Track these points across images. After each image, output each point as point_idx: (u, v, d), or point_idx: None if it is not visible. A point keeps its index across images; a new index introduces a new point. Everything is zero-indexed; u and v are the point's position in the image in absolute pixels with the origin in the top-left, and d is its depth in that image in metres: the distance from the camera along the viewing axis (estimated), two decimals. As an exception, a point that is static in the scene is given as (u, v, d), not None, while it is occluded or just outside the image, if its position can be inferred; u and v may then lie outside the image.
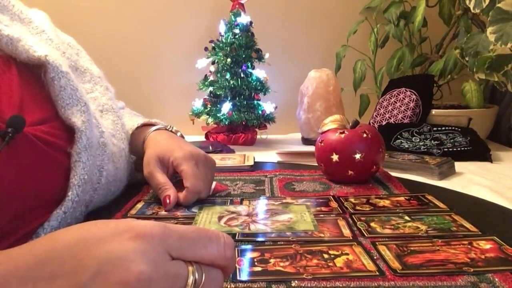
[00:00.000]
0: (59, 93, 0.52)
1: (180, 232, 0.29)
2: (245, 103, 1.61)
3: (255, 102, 1.64)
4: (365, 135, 0.70)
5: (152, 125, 0.73)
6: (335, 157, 0.70)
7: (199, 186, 0.61)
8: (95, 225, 0.30)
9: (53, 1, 1.76)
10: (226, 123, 1.59)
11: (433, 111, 1.51)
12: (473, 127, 1.40)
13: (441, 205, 0.59)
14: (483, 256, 0.42)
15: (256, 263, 0.42)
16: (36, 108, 0.50)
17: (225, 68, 1.60)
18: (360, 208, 0.58)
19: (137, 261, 0.26)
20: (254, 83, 1.62)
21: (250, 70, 1.62)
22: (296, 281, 0.38)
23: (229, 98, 1.60)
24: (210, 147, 1.26)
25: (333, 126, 0.73)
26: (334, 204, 0.61)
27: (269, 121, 1.65)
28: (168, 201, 0.59)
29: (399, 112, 1.52)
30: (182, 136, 0.73)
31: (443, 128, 1.37)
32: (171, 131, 0.72)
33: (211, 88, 1.64)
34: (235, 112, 1.58)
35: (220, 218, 0.55)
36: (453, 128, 1.36)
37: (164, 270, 0.27)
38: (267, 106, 1.66)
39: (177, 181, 0.64)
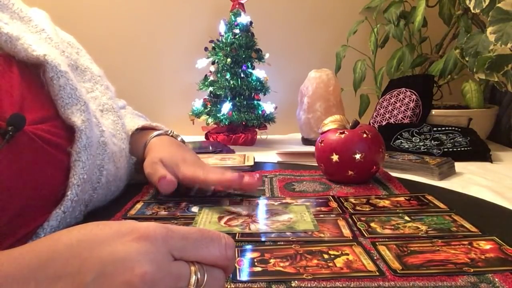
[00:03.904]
0: (59, 92, 0.52)
1: (182, 233, 0.30)
2: (245, 103, 1.60)
3: (255, 102, 1.64)
4: (365, 135, 0.70)
5: (153, 129, 0.73)
6: (335, 157, 0.70)
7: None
8: (97, 226, 0.30)
9: (53, 0, 1.76)
10: (226, 123, 1.59)
11: (433, 111, 1.51)
12: (473, 127, 1.40)
13: (441, 205, 0.59)
14: (483, 257, 0.42)
15: (256, 263, 0.42)
16: (37, 107, 0.50)
17: (225, 68, 1.60)
18: (360, 208, 0.58)
19: (141, 262, 0.27)
20: (254, 83, 1.61)
21: (250, 70, 1.62)
22: (296, 281, 0.38)
23: (229, 98, 1.60)
24: (210, 147, 1.26)
25: (333, 126, 0.73)
26: (333, 204, 0.61)
27: (269, 121, 1.65)
28: (164, 177, 0.58)
29: (399, 112, 1.52)
30: (182, 141, 0.73)
31: (443, 128, 1.36)
32: (171, 136, 0.72)
33: (211, 88, 1.64)
34: (235, 112, 1.58)
35: (220, 218, 0.55)
36: (453, 128, 1.36)
37: (167, 271, 0.27)
38: (267, 106, 1.66)
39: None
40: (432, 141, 1.31)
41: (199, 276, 0.28)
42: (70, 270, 0.27)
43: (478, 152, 1.26)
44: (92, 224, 0.30)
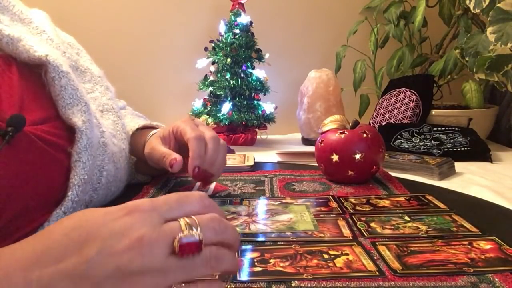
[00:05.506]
0: (60, 92, 0.52)
1: (163, 198, 0.33)
2: (245, 103, 1.60)
3: (255, 102, 1.63)
4: (365, 135, 0.70)
5: (153, 128, 0.73)
6: (335, 157, 0.70)
7: (200, 132, 0.60)
8: (84, 214, 0.31)
9: (53, 1, 1.76)
10: (226, 123, 1.59)
11: (433, 111, 1.51)
12: (473, 127, 1.40)
13: (441, 205, 0.59)
14: (483, 256, 0.42)
15: (256, 263, 0.42)
16: (37, 108, 0.50)
17: (225, 68, 1.60)
18: (360, 208, 0.58)
19: (136, 227, 0.29)
20: (254, 83, 1.61)
21: (250, 70, 1.62)
22: (296, 281, 0.38)
23: (229, 98, 1.60)
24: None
25: (333, 126, 0.73)
26: (333, 204, 0.61)
27: (269, 121, 1.64)
28: (174, 161, 0.58)
29: (399, 112, 1.52)
30: None
31: (443, 128, 1.36)
32: None
33: (211, 88, 1.63)
34: (235, 112, 1.58)
35: (220, 218, 0.55)
36: (453, 128, 1.36)
37: (161, 230, 0.30)
38: (267, 106, 1.65)
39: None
40: (432, 141, 1.31)
41: (187, 220, 0.31)
42: (72, 252, 0.28)
43: (478, 152, 1.26)
44: (77, 213, 0.32)
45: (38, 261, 0.28)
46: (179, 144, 0.63)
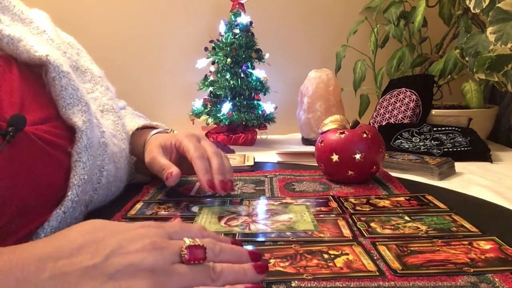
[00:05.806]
0: (60, 92, 0.52)
1: (169, 224, 0.39)
2: (245, 103, 1.60)
3: (255, 102, 1.63)
4: (365, 135, 0.70)
5: (153, 128, 0.73)
6: (335, 157, 0.70)
7: (202, 150, 0.61)
8: (98, 222, 0.35)
9: (53, 1, 1.76)
10: (226, 123, 1.59)
11: (433, 111, 1.51)
12: (473, 127, 1.40)
13: (441, 205, 0.59)
14: (483, 256, 0.43)
15: (256, 263, 0.42)
16: (37, 108, 0.50)
17: (225, 68, 1.60)
18: (360, 208, 0.58)
19: (148, 237, 0.34)
20: (254, 83, 1.61)
21: (250, 70, 1.62)
22: (296, 281, 0.38)
23: (229, 98, 1.60)
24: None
25: (333, 126, 0.73)
26: (333, 204, 0.61)
27: (269, 121, 1.64)
28: (169, 175, 0.59)
29: (399, 112, 1.52)
30: None
31: (443, 128, 1.36)
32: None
33: (211, 88, 1.63)
34: (235, 112, 1.58)
35: (220, 218, 0.55)
36: (453, 128, 1.36)
37: (169, 242, 0.34)
38: (267, 106, 1.65)
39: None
40: (432, 141, 1.31)
41: (190, 240, 0.35)
42: (87, 249, 0.31)
43: (478, 152, 1.26)
44: (91, 221, 0.35)
45: (52, 254, 0.30)
46: (180, 155, 0.64)
